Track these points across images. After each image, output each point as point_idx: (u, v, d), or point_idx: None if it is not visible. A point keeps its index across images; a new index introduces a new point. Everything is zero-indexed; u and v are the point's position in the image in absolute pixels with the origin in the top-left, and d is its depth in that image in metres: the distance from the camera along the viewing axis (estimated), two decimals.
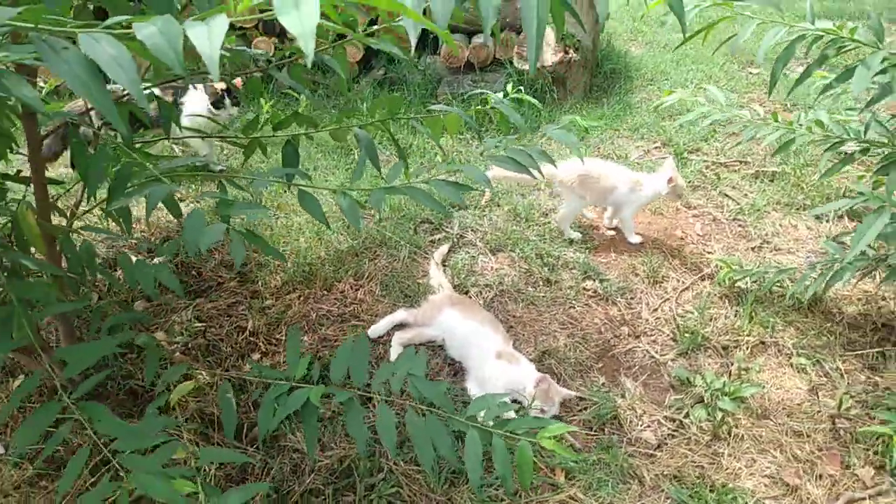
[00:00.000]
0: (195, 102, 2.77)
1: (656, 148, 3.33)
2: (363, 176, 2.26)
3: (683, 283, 2.34)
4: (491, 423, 1.36)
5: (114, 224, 1.77)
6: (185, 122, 2.63)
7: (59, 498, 1.39)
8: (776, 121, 2.00)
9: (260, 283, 2.28)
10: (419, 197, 1.49)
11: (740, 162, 3.15)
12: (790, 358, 2.01)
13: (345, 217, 1.46)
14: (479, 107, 1.94)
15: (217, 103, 2.75)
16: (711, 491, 1.60)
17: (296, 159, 1.74)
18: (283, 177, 1.55)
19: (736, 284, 2.27)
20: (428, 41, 3.77)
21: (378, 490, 1.55)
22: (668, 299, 2.27)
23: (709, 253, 2.49)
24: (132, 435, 1.14)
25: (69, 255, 1.49)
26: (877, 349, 2.01)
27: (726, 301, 2.24)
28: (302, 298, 2.21)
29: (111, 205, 1.25)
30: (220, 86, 2.73)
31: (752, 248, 2.53)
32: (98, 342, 1.43)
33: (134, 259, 1.52)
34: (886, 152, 1.80)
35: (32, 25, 0.74)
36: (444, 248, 2.42)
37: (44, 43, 0.71)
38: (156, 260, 2.20)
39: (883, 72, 1.47)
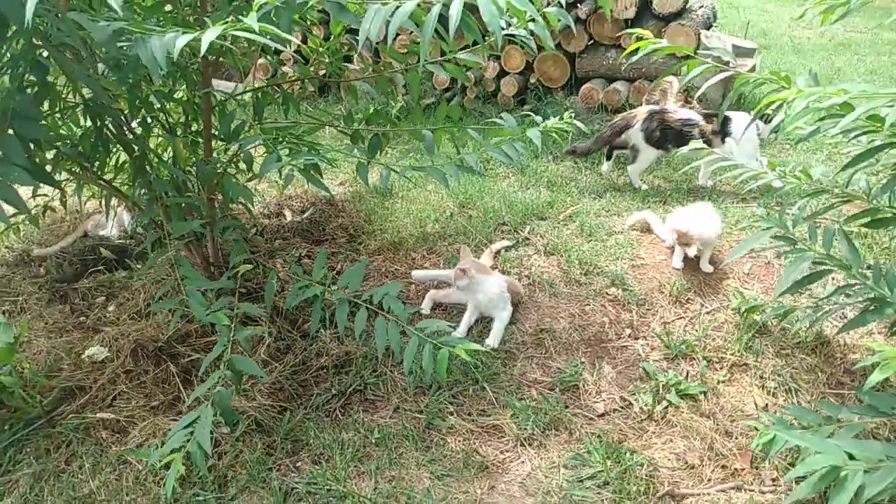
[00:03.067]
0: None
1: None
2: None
3: (706, 308, 2.57)
4: (427, 335, 1.90)
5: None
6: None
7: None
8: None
9: (362, 244, 3.03)
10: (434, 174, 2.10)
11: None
12: (764, 381, 2.19)
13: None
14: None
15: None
16: (620, 452, 1.92)
17: (378, 145, 2.44)
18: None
19: (751, 316, 2.45)
20: (572, 83, 4.31)
21: (365, 378, 2.16)
22: (683, 318, 2.53)
23: (746, 289, 2.67)
24: (201, 280, 1.91)
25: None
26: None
27: (735, 328, 2.44)
28: (385, 259, 2.90)
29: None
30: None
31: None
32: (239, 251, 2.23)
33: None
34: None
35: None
36: (505, 242, 2.95)
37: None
38: (305, 215, 3.07)
39: None
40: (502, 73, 4.53)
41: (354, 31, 1.65)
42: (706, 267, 2.74)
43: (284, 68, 4.46)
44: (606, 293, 2.65)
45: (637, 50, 1.92)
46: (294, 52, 4.21)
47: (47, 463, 1.90)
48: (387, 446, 1.93)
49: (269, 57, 2.63)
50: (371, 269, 2.81)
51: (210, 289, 2.06)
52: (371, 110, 2.51)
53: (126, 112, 1.94)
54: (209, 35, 1.27)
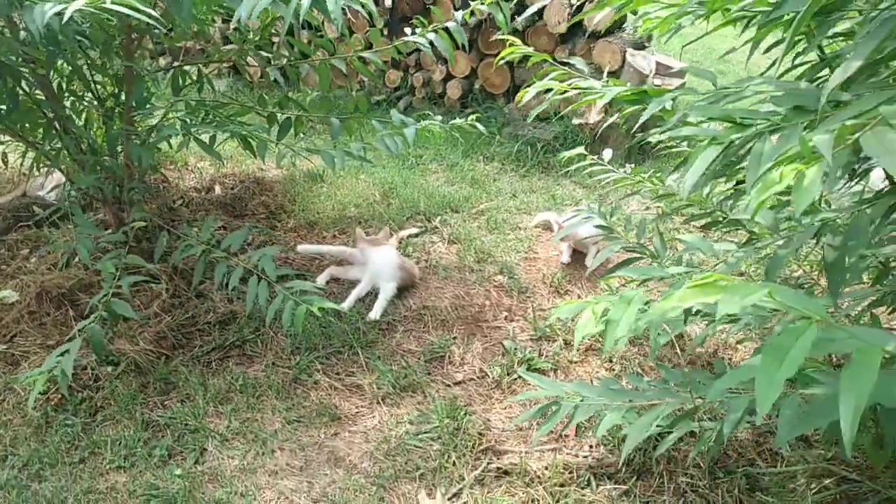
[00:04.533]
0: None
1: None
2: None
3: (581, 299, 2.79)
4: (292, 293, 2.11)
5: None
6: None
7: None
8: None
9: (280, 221, 3.24)
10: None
11: None
12: (612, 364, 2.40)
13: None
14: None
15: None
16: (462, 413, 2.12)
17: (288, 128, 2.66)
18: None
19: None
20: (511, 90, 4.56)
21: (244, 335, 2.37)
22: (558, 306, 2.74)
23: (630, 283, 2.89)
24: (92, 229, 2.12)
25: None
26: None
27: None
28: (298, 235, 3.11)
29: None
30: None
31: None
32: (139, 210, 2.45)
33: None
34: None
35: None
36: (413, 230, 3.16)
37: None
38: (217, 190, 3.28)
39: None
40: (449, 77, 4.77)
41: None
42: (590, 262, 2.96)
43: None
44: (494, 280, 2.87)
45: (526, 60, 2.14)
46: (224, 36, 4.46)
47: None
48: (249, 393, 2.13)
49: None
50: (281, 244, 3.03)
51: (108, 242, 2.26)
52: (282, 97, 2.73)
53: (43, 76, 2.14)
54: (74, 5, 1.48)
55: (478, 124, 2.86)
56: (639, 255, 1.93)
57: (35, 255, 2.80)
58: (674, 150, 2.34)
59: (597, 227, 2.03)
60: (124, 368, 2.17)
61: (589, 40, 4.13)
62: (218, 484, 1.81)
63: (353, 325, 2.50)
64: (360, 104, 2.73)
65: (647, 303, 1.18)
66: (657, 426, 1.42)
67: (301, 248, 2.89)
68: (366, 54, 2.58)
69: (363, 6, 2.08)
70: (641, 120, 1.44)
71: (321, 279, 2.76)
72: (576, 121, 4.05)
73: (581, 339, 1.13)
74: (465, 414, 2.10)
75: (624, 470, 1.87)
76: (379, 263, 2.66)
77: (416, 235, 3.17)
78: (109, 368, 2.17)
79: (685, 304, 0.75)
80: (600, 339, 2.49)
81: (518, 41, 2.14)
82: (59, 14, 1.51)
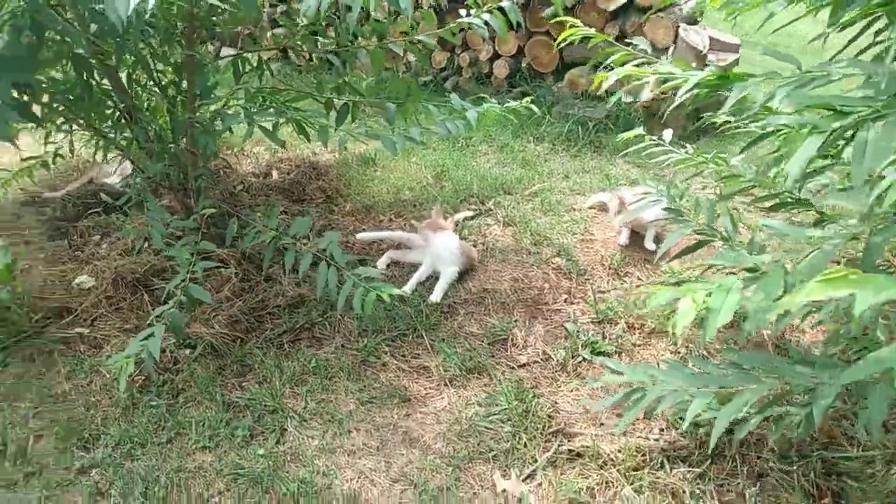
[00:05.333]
0: None
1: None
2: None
3: (641, 281, 2.78)
4: (360, 278, 2.15)
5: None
6: None
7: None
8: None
9: (337, 205, 3.28)
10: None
11: None
12: (678, 347, 2.39)
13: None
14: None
15: None
16: (530, 395, 2.15)
17: (346, 114, 2.69)
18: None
19: None
20: (560, 68, 4.50)
21: (313, 318, 2.43)
22: (618, 289, 2.74)
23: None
24: (164, 216, 2.19)
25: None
26: None
27: None
28: (356, 219, 3.16)
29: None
30: None
31: None
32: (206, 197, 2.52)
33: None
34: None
35: None
36: (468, 212, 3.18)
37: None
38: (274, 175, 3.34)
39: None
40: (496, 56, 4.73)
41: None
42: (649, 245, 2.94)
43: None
44: (551, 262, 2.87)
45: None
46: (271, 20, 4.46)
47: (30, 367, 2.20)
48: (322, 374, 2.19)
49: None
50: (340, 228, 3.07)
51: (180, 228, 2.33)
52: (340, 82, 2.75)
53: (111, 67, 2.20)
54: None
55: (532, 105, 2.85)
56: (709, 239, 1.92)
57: (106, 242, 2.89)
58: (738, 130, 2.31)
59: (665, 209, 2.01)
60: (201, 351, 2.24)
61: (642, 15, 4.05)
62: (300, 463, 1.87)
63: (416, 307, 2.53)
64: (414, 88, 2.73)
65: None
66: (745, 412, 1.43)
67: (361, 235, 2.93)
68: (421, 37, 2.58)
69: None
70: (727, 106, 1.42)
71: (381, 263, 2.79)
72: (627, 99, 3.99)
73: (682, 329, 1.13)
74: (534, 396, 2.13)
75: (697, 453, 1.88)
76: (440, 248, 2.68)
77: (472, 218, 3.19)
78: (188, 351, 2.25)
79: (815, 298, 0.75)
80: (665, 324, 2.48)
81: (578, 21, 2.11)
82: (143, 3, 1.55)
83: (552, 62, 4.53)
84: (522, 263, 2.86)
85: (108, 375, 2.16)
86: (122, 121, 2.40)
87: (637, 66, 1.74)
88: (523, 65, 4.66)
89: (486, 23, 2.57)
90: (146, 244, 2.79)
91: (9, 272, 2.37)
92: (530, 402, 2.10)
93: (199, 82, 2.34)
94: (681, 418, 2.07)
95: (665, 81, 1.60)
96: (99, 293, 2.47)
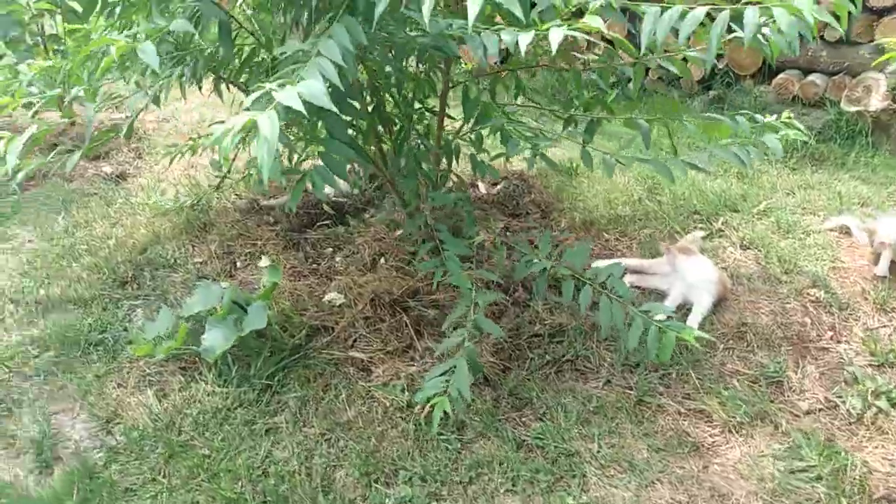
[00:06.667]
0: None
1: None
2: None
3: None
4: (651, 317, 2.04)
5: None
6: None
7: None
8: None
9: (553, 220, 3.19)
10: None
11: None
12: None
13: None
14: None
15: None
16: (832, 450, 1.98)
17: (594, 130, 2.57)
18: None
19: None
20: (764, 71, 4.19)
21: (577, 350, 2.34)
22: (888, 326, 2.50)
23: None
24: (458, 247, 2.15)
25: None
26: None
27: None
28: (578, 237, 3.05)
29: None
30: None
31: None
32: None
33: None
34: None
35: None
36: (698, 234, 3.00)
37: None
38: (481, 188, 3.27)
39: None
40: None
41: None
42: None
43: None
44: (807, 293, 2.66)
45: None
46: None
47: (308, 390, 2.23)
48: (605, 415, 2.11)
49: None
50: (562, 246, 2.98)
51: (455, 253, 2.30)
52: (589, 97, 2.63)
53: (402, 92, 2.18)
54: (556, 35, 1.45)
55: (795, 122, 2.62)
56: None
57: (339, 255, 2.92)
58: None
59: None
60: (474, 381, 2.20)
61: (871, 16, 3.70)
62: None
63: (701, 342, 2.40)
64: (669, 104, 2.57)
65: None
66: None
67: (596, 264, 2.81)
68: (691, 53, 2.42)
69: None
70: None
71: None
72: (850, 108, 3.67)
73: None
74: (840, 452, 1.96)
75: None
76: (695, 276, 2.53)
77: (704, 239, 3.01)
78: None
79: None
80: None
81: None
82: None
83: (754, 64, 4.24)
84: (776, 294, 2.67)
85: (385, 402, 2.16)
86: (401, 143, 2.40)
87: None
88: (720, 66, 4.38)
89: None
90: (382, 260, 2.80)
91: (272, 290, 2.42)
92: (838, 458, 1.94)
93: (465, 105, 2.28)
94: None
95: None
96: (354, 312, 2.48)
